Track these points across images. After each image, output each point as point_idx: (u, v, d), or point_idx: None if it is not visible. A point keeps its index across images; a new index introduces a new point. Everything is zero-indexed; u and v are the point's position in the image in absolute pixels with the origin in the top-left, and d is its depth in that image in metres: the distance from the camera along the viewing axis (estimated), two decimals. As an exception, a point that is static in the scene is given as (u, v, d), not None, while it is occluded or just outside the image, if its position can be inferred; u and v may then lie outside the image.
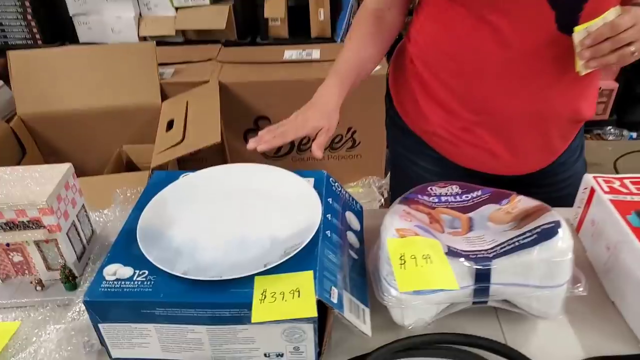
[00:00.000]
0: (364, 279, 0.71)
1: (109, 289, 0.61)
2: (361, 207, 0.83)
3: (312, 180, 0.77)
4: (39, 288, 0.74)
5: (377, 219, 0.85)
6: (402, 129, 0.96)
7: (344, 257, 0.69)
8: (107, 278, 0.62)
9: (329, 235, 0.69)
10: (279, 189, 0.75)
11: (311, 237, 0.64)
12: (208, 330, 0.61)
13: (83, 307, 0.69)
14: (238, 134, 1.95)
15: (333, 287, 0.62)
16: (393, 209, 0.69)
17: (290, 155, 2.03)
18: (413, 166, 0.97)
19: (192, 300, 0.59)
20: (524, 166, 0.88)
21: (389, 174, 1.11)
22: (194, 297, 0.59)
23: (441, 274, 0.58)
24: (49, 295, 0.74)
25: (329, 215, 0.71)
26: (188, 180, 0.77)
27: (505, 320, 0.69)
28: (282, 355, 0.64)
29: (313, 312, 0.57)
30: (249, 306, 0.59)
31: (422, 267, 0.58)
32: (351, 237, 0.74)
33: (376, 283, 0.67)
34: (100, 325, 0.62)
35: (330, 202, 0.74)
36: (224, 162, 1.88)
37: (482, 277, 0.62)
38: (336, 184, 0.79)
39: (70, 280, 0.73)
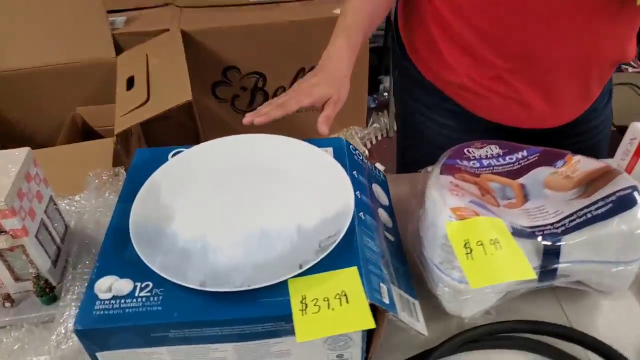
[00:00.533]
0: (406, 265, 0.61)
1: (105, 312, 0.48)
2: (384, 175, 0.72)
3: (330, 150, 0.65)
4: (7, 304, 0.61)
5: (400, 186, 0.74)
6: (416, 81, 0.84)
7: (381, 242, 0.58)
8: (101, 296, 0.50)
9: (363, 217, 0.58)
10: (296, 165, 0.62)
11: (348, 223, 0.53)
12: (235, 348, 0.51)
13: (70, 326, 0.56)
14: (205, 87, 1.78)
15: (381, 284, 0.52)
16: (438, 181, 0.58)
17: (263, 108, 1.87)
18: (428, 122, 0.86)
19: (215, 317, 0.48)
20: (559, 117, 0.79)
21: (396, 134, 0.99)
22: (217, 313, 0.48)
23: (514, 261, 0.49)
24: (22, 312, 0.61)
25: (357, 193, 0.60)
26: (182, 159, 0.63)
27: (564, 298, 0.61)
28: (322, 365, 0.54)
29: (370, 322, 0.46)
30: (286, 318, 0.48)
31: (491, 255, 0.49)
32: (383, 215, 0.64)
33: (426, 270, 0.57)
34: (98, 354, 0.50)
35: (356, 176, 0.63)
36: (192, 119, 1.72)
37: (551, 257, 0.53)
38: (357, 152, 0.68)
39: (47, 293, 0.60)
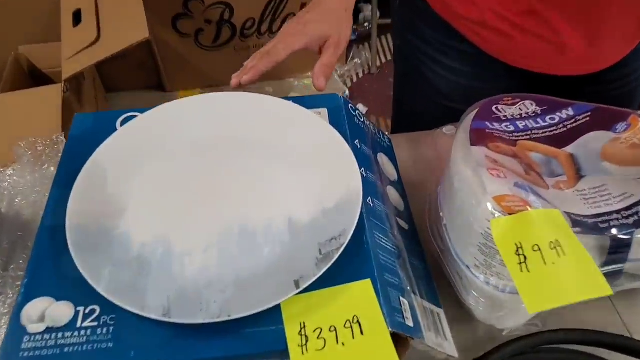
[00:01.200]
0: (425, 262, 0.49)
1: (37, 352, 0.35)
2: (389, 140, 0.58)
3: (324, 112, 0.51)
4: None
5: (402, 149, 0.61)
6: (421, 13, 0.69)
7: (395, 235, 0.46)
8: (31, 329, 0.36)
9: (372, 204, 0.45)
10: (282, 134, 0.48)
11: (356, 219, 0.40)
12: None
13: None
14: (165, 20, 1.56)
15: (402, 298, 0.40)
16: (469, 155, 0.45)
17: (232, 44, 1.69)
18: (433, 65, 0.72)
19: (186, 357, 0.35)
20: (599, 60, 0.65)
21: (394, 81, 0.84)
22: (188, 351, 0.35)
23: (582, 271, 0.37)
24: None
25: (362, 170, 0.46)
26: (133, 129, 0.48)
27: (618, 298, 0.50)
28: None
29: (393, 358, 0.34)
30: (281, 354, 0.36)
31: (553, 264, 0.36)
32: (393, 195, 0.51)
33: (452, 271, 0.45)
34: (29, 404, 0.38)
35: (359, 146, 0.49)
36: (152, 56, 1.53)
37: (618, 255, 0.41)
38: (357, 112, 0.53)
39: (-34, 307, 0.46)
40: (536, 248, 0.37)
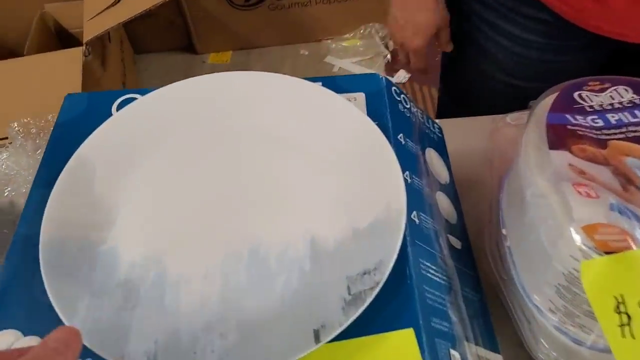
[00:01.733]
0: (481, 291, 0.39)
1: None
2: (440, 130, 0.48)
3: (360, 97, 0.41)
4: None
5: (455, 141, 0.51)
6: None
7: (446, 260, 0.36)
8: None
9: (417, 220, 0.35)
10: (307, 129, 0.39)
11: (398, 246, 0.31)
12: None
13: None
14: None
15: (452, 351, 0.31)
16: (548, 162, 0.35)
17: (267, 3, 1.57)
18: (498, 36, 0.60)
19: None
20: None
21: (441, 56, 0.72)
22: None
23: None
24: None
25: (406, 175, 0.37)
26: (129, 117, 0.40)
27: None
28: None
29: None
30: None
31: (665, 328, 0.27)
32: (443, 204, 0.41)
33: (515, 308, 0.36)
34: None
35: (403, 141, 0.39)
36: (182, 16, 1.44)
37: None
38: (402, 96, 0.43)
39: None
40: (643, 304, 0.27)
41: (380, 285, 0.29)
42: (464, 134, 0.53)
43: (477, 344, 0.34)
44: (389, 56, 1.61)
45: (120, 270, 0.33)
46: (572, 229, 0.30)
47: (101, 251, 0.34)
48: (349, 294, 0.30)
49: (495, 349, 0.36)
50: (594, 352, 0.31)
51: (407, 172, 0.37)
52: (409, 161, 0.38)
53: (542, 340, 0.33)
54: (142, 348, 0.29)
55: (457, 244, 0.39)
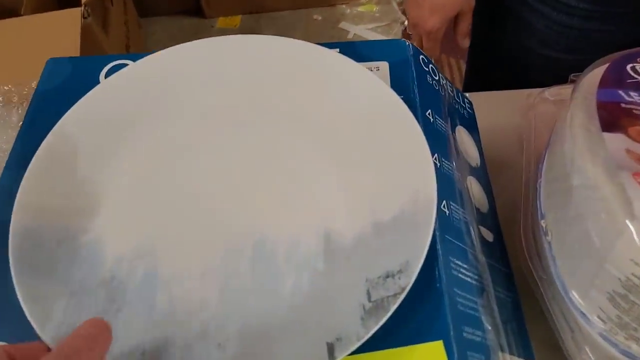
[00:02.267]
0: (515, 290, 0.35)
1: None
2: (471, 105, 0.43)
3: (384, 66, 0.36)
4: None
5: (485, 117, 0.46)
6: None
7: (477, 256, 0.32)
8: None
9: (447, 211, 0.31)
10: (321, 104, 0.34)
11: (427, 247, 0.26)
12: None
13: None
14: None
15: (486, 364, 0.27)
16: (601, 146, 0.30)
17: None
18: (538, 3, 0.54)
19: None
20: None
21: (472, 20, 0.65)
22: None
23: None
24: None
25: (435, 158, 0.32)
26: (117, 87, 0.35)
27: None
28: None
29: None
30: None
31: None
32: (475, 189, 0.37)
33: (555, 314, 0.32)
34: None
35: (431, 119, 0.35)
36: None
37: None
38: (430, 66, 0.38)
39: None
40: None
41: (407, 291, 0.25)
42: (495, 109, 0.48)
43: (511, 352, 0.30)
44: (406, 22, 1.54)
45: (104, 265, 0.28)
46: (633, 228, 0.25)
47: (82, 243, 0.29)
48: (369, 300, 0.26)
49: (530, 356, 0.32)
50: (650, 369, 0.27)
51: (436, 155, 0.32)
52: (438, 142, 0.34)
53: (587, 350, 0.29)
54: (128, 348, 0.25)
55: (488, 236, 0.35)
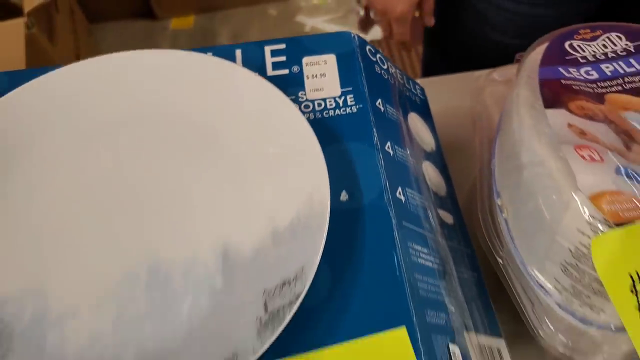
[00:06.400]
0: (477, 269, 0.36)
1: None
2: (422, 91, 0.43)
3: (331, 58, 0.36)
4: None
5: (438, 102, 0.46)
6: None
7: (438, 239, 0.33)
8: None
9: (403, 198, 0.31)
10: (213, 115, 0.33)
11: (320, 251, 0.26)
12: None
13: None
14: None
15: (451, 346, 0.27)
16: (544, 123, 0.31)
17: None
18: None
19: None
20: None
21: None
22: None
23: None
24: None
25: (388, 146, 0.33)
26: (12, 102, 0.32)
27: None
28: None
29: None
30: None
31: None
32: (431, 174, 0.37)
33: (516, 290, 0.33)
34: None
35: (382, 108, 0.35)
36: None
37: None
38: (378, 56, 0.39)
39: None
40: (664, 283, 0.24)
41: (301, 298, 0.25)
42: (448, 93, 0.49)
43: (477, 331, 0.31)
44: (361, 11, 1.54)
45: None
46: (577, 200, 0.26)
47: None
48: (265, 311, 0.25)
49: (496, 332, 0.33)
50: (605, 331, 0.28)
51: (388, 143, 0.33)
52: (390, 130, 0.34)
53: (546, 321, 0.30)
54: None
55: (448, 218, 0.36)
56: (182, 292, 0.27)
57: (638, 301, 0.24)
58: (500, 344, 0.32)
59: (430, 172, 0.37)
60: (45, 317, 0.27)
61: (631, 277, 0.24)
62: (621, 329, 0.28)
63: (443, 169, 0.39)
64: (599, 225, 0.26)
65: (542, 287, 0.30)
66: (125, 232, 0.29)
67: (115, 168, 0.32)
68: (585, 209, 0.26)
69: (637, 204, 0.26)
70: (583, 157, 0.28)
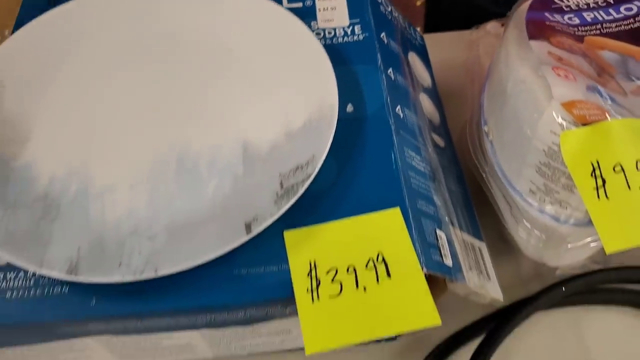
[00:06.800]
0: (464, 185, 0.40)
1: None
2: (422, 38, 0.48)
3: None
4: None
5: (439, 55, 0.51)
6: None
7: (429, 152, 0.37)
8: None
9: (401, 114, 0.35)
10: (234, 30, 0.38)
11: (329, 143, 0.31)
12: (204, 334, 0.32)
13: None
14: None
15: (438, 231, 0.32)
16: (528, 49, 0.35)
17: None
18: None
19: (159, 306, 0.28)
20: None
21: None
22: (162, 299, 0.28)
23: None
24: None
25: (390, 71, 0.37)
26: (42, 24, 0.37)
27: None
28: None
29: (431, 316, 0.27)
30: (282, 303, 0.29)
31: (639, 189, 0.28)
32: (427, 105, 0.41)
33: (496, 197, 0.37)
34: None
35: (385, 41, 0.39)
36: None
37: None
38: (383, 0, 0.43)
39: None
40: (618, 168, 0.28)
41: (312, 177, 0.29)
42: (445, 49, 0.53)
43: (461, 229, 0.35)
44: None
45: (38, 185, 0.31)
46: (551, 106, 0.31)
47: (15, 167, 0.32)
48: (281, 188, 0.30)
49: (478, 236, 0.37)
50: (570, 226, 0.33)
51: (390, 69, 0.37)
52: (391, 59, 0.38)
53: (524, 222, 0.35)
54: (64, 255, 0.28)
55: (440, 142, 0.40)
56: (208, 176, 0.32)
57: (596, 183, 0.28)
58: (481, 245, 0.36)
59: (426, 103, 0.41)
60: (87, 192, 0.31)
61: (592, 164, 0.28)
62: (584, 224, 0.32)
63: (438, 104, 0.43)
64: (569, 126, 0.30)
65: (518, 191, 0.34)
66: (156, 127, 0.34)
67: (145, 77, 0.36)
68: (558, 114, 0.30)
69: (602, 110, 0.30)
70: (559, 75, 0.32)
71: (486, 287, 0.33)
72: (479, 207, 0.40)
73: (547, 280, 0.38)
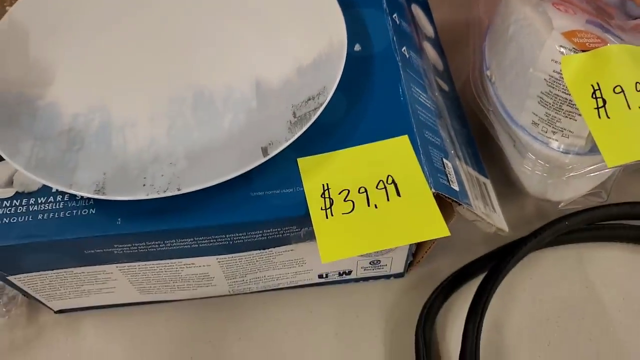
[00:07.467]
0: (468, 127, 0.42)
1: (4, 219, 0.30)
2: (424, -7, 0.49)
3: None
4: None
5: (442, 12, 0.52)
6: None
7: (434, 93, 0.38)
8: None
9: (407, 55, 0.37)
10: None
11: (339, 75, 0.32)
12: (221, 262, 0.33)
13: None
14: None
15: (445, 160, 0.33)
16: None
17: None
18: None
19: (181, 224, 0.29)
20: None
21: None
22: (185, 218, 0.29)
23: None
24: None
25: (395, 16, 0.38)
26: None
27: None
28: (349, 273, 0.37)
29: (440, 227, 0.28)
30: (298, 221, 0.30)
31: (639, 109, 0.29)
32: (430, 52, 0.43)
33: (500, 135, 0.38)
34: (10, 278, 0.33)
35: (390, -10, 0.40)
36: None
37: None
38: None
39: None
40: (618, 90, 0.29)
41: (323, 106, 0.30)
42: (447, 5, 0.54)
43: (467, 164, 0.36)
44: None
45: (62, 121, 0.33)
46: (552, 36, 0.32)
47: (39, 105, 0.33)
48: (295, 117, 0.31)
49: (483, 173, 0.38)
50: (572, 156, 0.34)
51: (395, 14, 0.38)
52: (397, 6, 0.39)
53: (528, 155, 0.36)
54: (91, 178, 0.29)
55: (445, 86, 0.41)
56: (223, 111, 0.33)
57: (597, 104, 0.29)
58: (486, 181, 0.38)
59: (429, 50, 0.42)
60: (109, 126, 0.33)
61: (592, 86, 0.30)
62: (583, 153, 0.34)
63: (440, 52, 0.44)
64: (569, 53, 0.31)
65: (521, 126, 0.36)
66: (172, 66, 0.35)
67: (166, 19, 0.38)
68: (559, 42, 0.32)
69: (601, 39, 0.32)
70: (559, 9, 0.34)
71: (492, 217, 0.35)
72: (482, 151, 0.41)
73: (549, 218, 0.39)
